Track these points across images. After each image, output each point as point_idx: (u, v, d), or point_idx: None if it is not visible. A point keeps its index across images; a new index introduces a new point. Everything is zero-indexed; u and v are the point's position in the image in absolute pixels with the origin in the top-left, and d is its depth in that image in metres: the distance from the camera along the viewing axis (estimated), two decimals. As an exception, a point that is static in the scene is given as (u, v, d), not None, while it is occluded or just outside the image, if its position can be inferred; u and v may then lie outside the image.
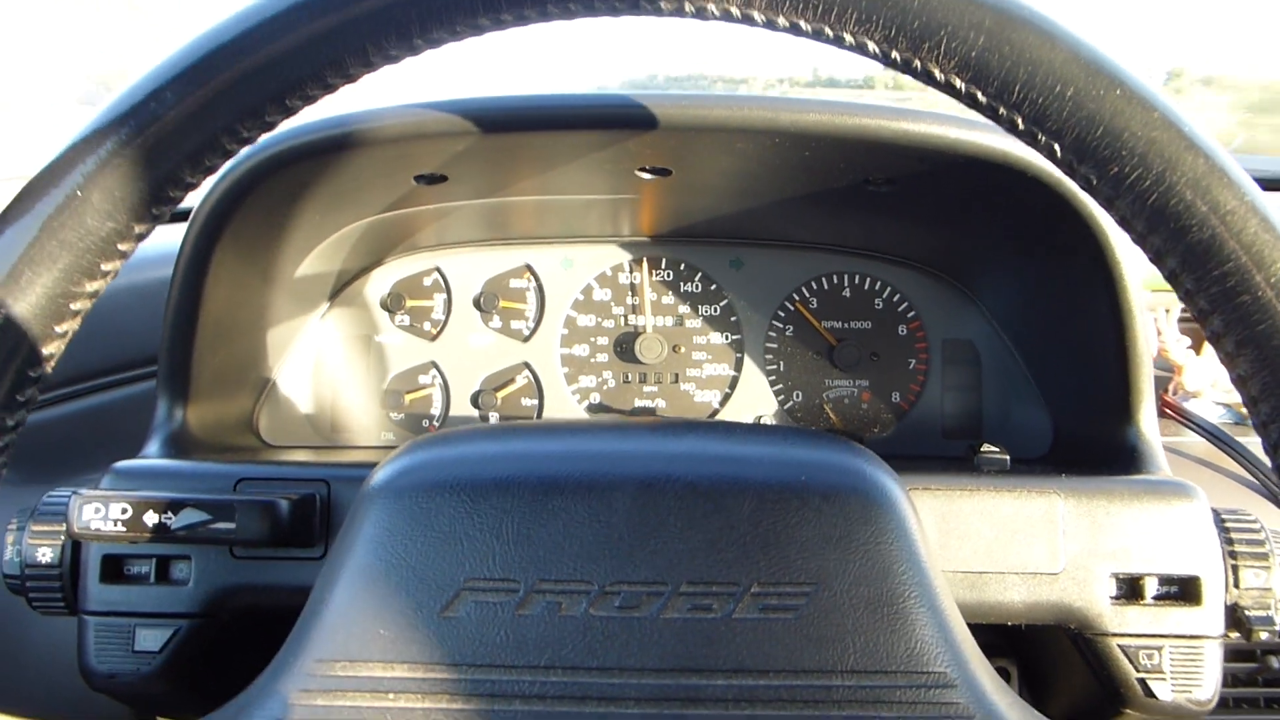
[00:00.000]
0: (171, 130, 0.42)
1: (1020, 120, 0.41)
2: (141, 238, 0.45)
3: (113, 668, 0.72)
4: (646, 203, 1.05)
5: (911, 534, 0.53)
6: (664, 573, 0.51)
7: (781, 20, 0.42)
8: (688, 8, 0.42)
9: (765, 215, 1.07)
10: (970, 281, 1.11)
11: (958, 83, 0.41)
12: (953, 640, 0.52)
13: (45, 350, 0.44)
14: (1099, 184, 0.41)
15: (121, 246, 0.44)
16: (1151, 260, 0.42)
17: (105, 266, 0.44)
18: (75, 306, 0.44)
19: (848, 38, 0.42)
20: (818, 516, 0.52)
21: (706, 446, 0.56)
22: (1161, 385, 1.25)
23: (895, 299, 1.14)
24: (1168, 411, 1.20)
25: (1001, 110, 0.41)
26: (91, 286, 0.44)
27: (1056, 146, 0.41)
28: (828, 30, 0.42)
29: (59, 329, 0.44)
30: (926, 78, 0.42)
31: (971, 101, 0.42)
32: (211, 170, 0.45)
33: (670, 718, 0.49)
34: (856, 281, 1.14)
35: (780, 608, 0.51)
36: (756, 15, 0.42)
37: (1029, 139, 0.42)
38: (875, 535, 0.52)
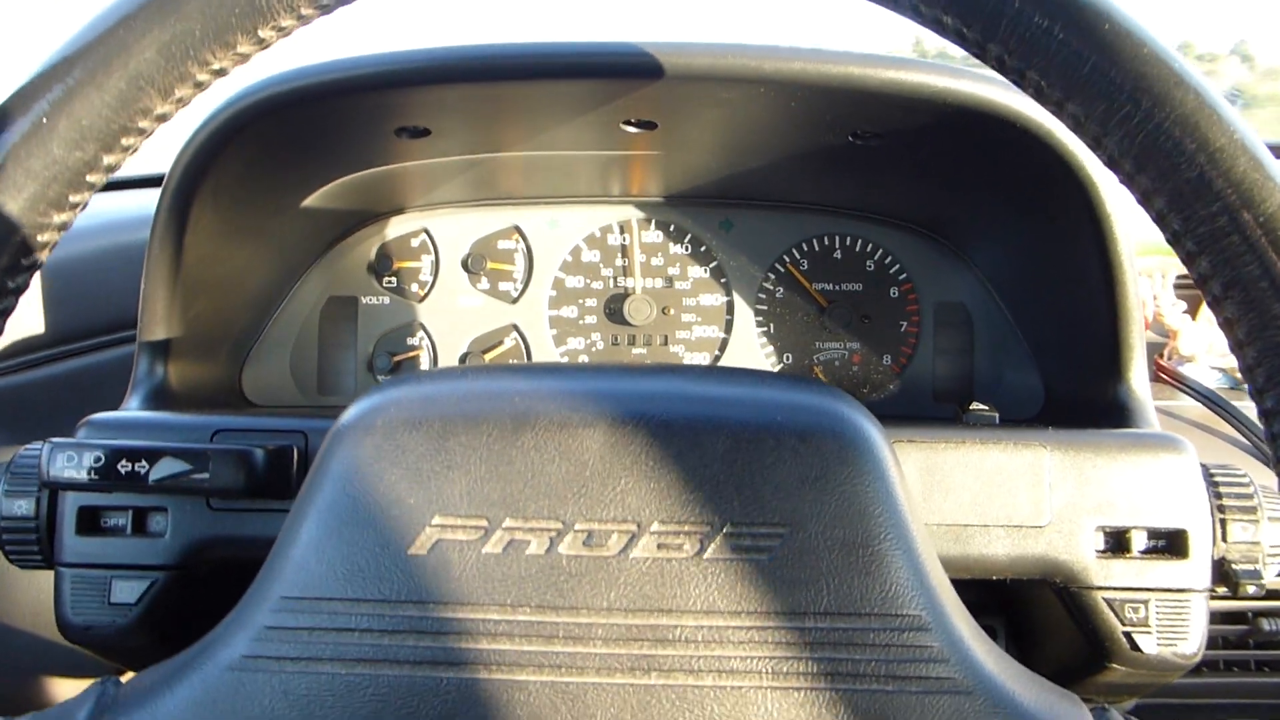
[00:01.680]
0: (141, 59, 0.41)
1: (1008, 57, 0.40)
2: (111, 169, 0.44)
3: (89, 620, 0.71)
4: (635, 162, 1.04)
5: (889, 476, 0.52)
6: (634, 512, 0.50)
7: None
8: None
9: (755, 174, 1.06)
10: (962, 243, 1.09)
11: (946, 19, 0.41)
12: (928, 583, 0.51)
13: (12, 282, 0.43)
14: (1086, 121, 0.40)
15: (90, 178, 0.43)
16: (1139, 202, 0.41)
17: (73, 198, 0.43)
18: (42, 239, 0.43)
19: None
20: (793, 457, 0.51)
21: (681, 386, 0.55)
22: (1157, 350, 1.24)
23: (887, 261, 1.12)
24: (1163, 376, 1.19)
25: (990, 47, 0.40)
26: (59, 218, 0.43)
27: (1044, 84, 0.40)
28: None
29: (25, 260, 0.43)
30: (914, 14, 0.41)
31: (959, 38, 0.41)
32: (184, 103, 0.44)
33: (638, 658, 0.49)
34: (848, 243, 1.13)
35: (753, 549, 0.50)
36: None
37: (1016, 76, 0.41)
38: (851, 476, 0.51)
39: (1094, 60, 0.39)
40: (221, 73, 0.44)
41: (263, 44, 0.43)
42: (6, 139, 0.41)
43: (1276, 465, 0.40)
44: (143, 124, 0.43)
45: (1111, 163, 0.41)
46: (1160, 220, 0.41)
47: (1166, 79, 0.39)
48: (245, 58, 0.43)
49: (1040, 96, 0.41)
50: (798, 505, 0.51)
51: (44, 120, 0.41)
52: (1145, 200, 0.41)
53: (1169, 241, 0.41)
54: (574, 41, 0.80)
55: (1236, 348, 0.41)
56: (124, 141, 0.43)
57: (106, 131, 0.42)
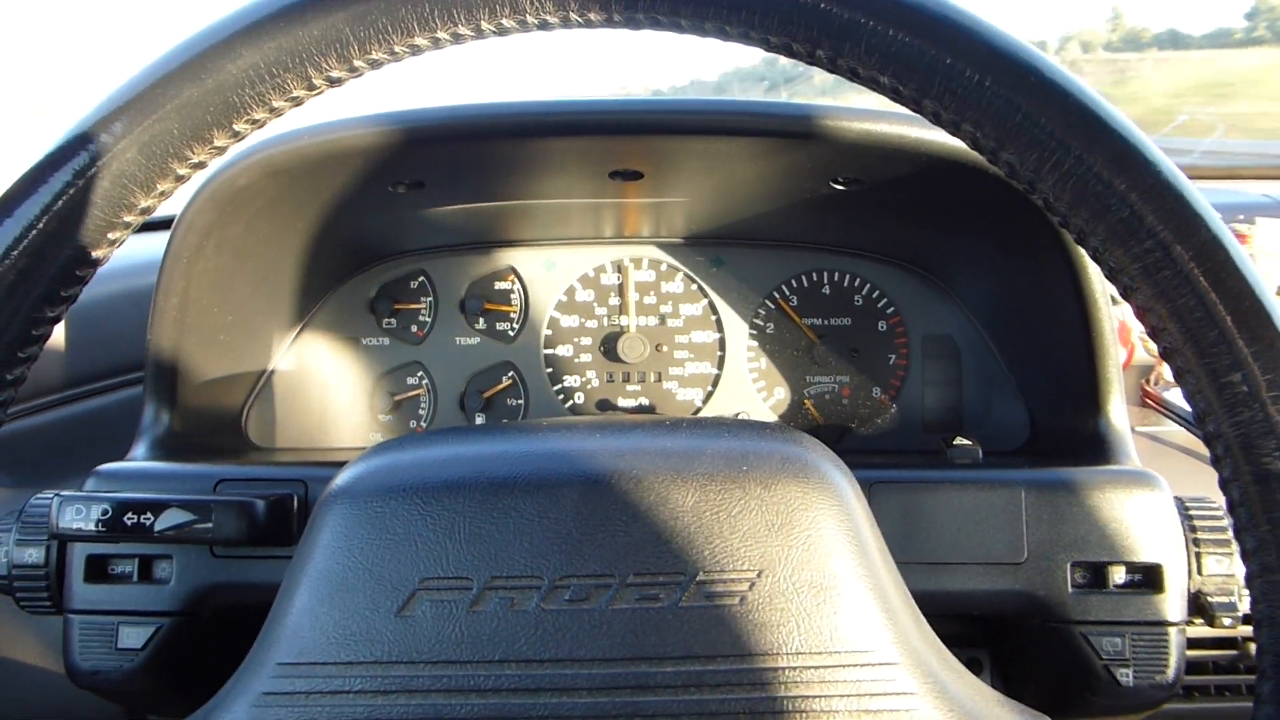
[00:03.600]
0: (122, 159, 0.43)
1: (943, 111, 0.42)
2: (100, 263, 0.46)
3: (96, 665, 0.74)
4: (626, 205, 1.07)
5: (854, 517, 0.55)
6: (611, 565, 0.53)
7: (708, 26, 0.43)
8: (617, 18, 0.44)
9: (743, 215, 1.09)
10: (947, 277, 1.12)
11: (881, 79, 0.43)
12: (896, 620, 0.53)
13: (10, 375, 0.45)
14: (1021, 169, 0.42)
15: (79, 272, 0.45)
16: (1076, 240, 0.43)
17: (64, 293, 0.45)
18: (37, 332, 0.45)
19: (773, 39, 0.43)
20: (759, 505, 0.54)
21: (650, 441, 0.57)
22: (1145, 375, 1.26)
23: (875, 295, 1.15)
24: (1149, 402, 1.21)
25: (925, 103, 0.43)
26: (53, 312, 0.45)
27: (979, 135, 0.42)
28: (753, 34, 0.43)
29: (22, 354, 0.45)
30: (851, 75, 0.44)
31: (896, 96, 0.43)
32: (165, 195, 0.46)
33: (621, 705, 0.51)
34: (836, 279, 1.15)
35: (725, 595, 0.52)
36: (684, 23, 0.43)
37: (953, 129, 0.43)
38: (816, 520, 0.54)
39: (1024, 110, 0.41)
40: (200, 165, 0.46)
41: (238, 136, 0.45)
42: None
43: (1222, 485, 0.42)
44: (128, 218, 0.45)
45: (1047, 205, 0.43)
46: (1097, 257, 0.43)
47: (1094, 124, 0.41)
48: (221, 150, 0.46)
49: (976, 146, 0.43)
50: (765, 551, 0.53)
51: (38, 225, 0.43)
52: (1081, 239, 0.43)
53: (1107, 277, 0.43)
54: (557, 101, 0.83)
55: (1178, 376, 0.43)
56: (110, 236, 0.45)
57: (93, 229, 0.44)
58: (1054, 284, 0.89)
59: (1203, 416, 0.42)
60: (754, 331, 1.16)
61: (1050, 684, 0.80)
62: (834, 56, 0.42)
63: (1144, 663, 0.72)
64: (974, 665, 0.92)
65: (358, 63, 0.43)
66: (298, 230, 0.98)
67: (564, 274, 1.17)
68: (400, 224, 1.06)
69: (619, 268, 1.17)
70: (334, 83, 0.44)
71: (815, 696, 0.51)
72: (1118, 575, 0.73)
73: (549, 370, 1.16)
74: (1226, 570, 0.74)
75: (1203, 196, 0.41)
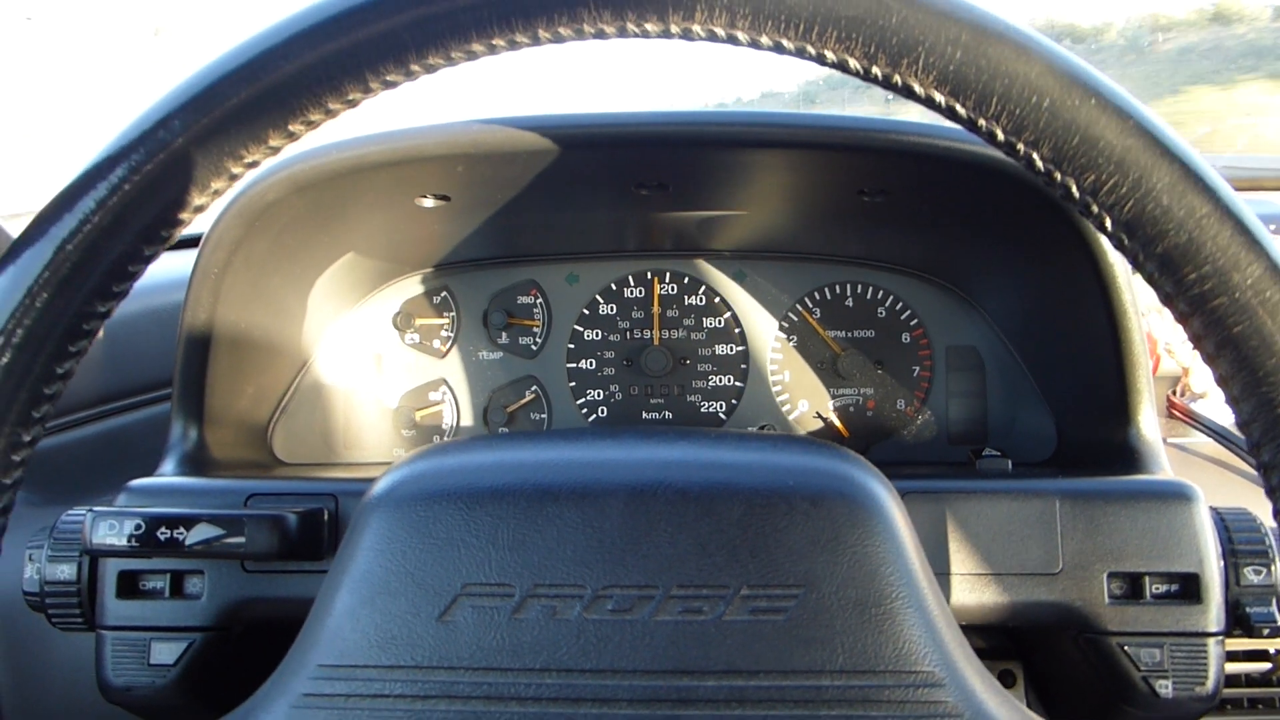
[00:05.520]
0: (179, 156, 0.44)
1: (999, 131, 0.42)
2: (151, 259, 0.47)
3: (129, 681, 0.74)
4: (649, 218, 1.07)
5: (899, 535, 0.54)
6: (655, 576, 0.52)
7: (765, 40, 0.43)
8: (674, 29, 0.44)
9: (767, 227, 1.09)
10: (971, 288, 1.11)
11: (938, 96, 0.42)
12: (940, 640, 0.52)
13: (60, 368, 0.46)
14: (1077, 192, 0.42)
15: (131, 268, 0.46)
16: (1132, 265, 0.43)
17: (116, 288, 0.46)
18: (88, 326, 0.46)
19: (830, 55, 0.43)
20: (805, 520, 0.53)
21: (696, 453, 0.57)
22: (1172, 385, 1.25)
23: (898, 307, 1.14)
24: (1175, 413, 1.20)
25: (981, 122, 0.42)
26: (103, 307, 0.46)
27: (1035, 156, 0.42)
28: (810, 49, 0.43)
29: (72, 348, 0.46)
30: (907, 92, 0.43)
31: (951, 114, 0.43)
32: (218, 194, 0.47)
33: (662, 718, 0.51)
34: (859, 291, 1.15)
35: (769, 610, 0.52)
36: (740, 35, 0.43)
37: (1008, 150, 0.43)
38: (862, 538, 0.53)
39: (1082, 133, 0.41)
40: (253, 164, 0.46)
41: (293, 137, 0.46)
42: (56, 235, 0.44)
43: (1277, 515, 0.42)
44: (181, 215, 0.46)
45: (1102, 228, 0.43)
46: (1152, 282, 0.43)
47: (1153, 149, 0.40)
48: (276, 150, 0.46)
49: (1032, 168, 0.43)
50: (811, 567, 0.53)
51: (93, 219, 0.44)
52: (1137, 264, 0.42)
53: (1162, 301, 0.43)
54: (582, 114, 0.83)
55: (1232, 403, 0.42)
56: (163, 233, 0.46)
57: (147, 225, 0.45)
58: (1081, 292, 0.89)
59: (1257, 446, 0.41)
60: (778, 344, 1.16)
61: (1086, 696, 0.79)
62: (890, 74, 0.42)
63: (1183, 674, 0.72)
64: (1008, 677, 0.91)
65: (414, 67, 0.44)
66: (323, 245, 0.98)
67: (587, 288, 1.17)
68: (424, 239, 1.07)
69: (641, 281, 1.17)
70: (389, 86, 0.44)
71: (858, 716, 0.51)
72: (1155, 586, 0.72)
73: (572, 384, 1.16)
74: (1265, 581, 0.73)
75: (1261, 224, 0.40)
